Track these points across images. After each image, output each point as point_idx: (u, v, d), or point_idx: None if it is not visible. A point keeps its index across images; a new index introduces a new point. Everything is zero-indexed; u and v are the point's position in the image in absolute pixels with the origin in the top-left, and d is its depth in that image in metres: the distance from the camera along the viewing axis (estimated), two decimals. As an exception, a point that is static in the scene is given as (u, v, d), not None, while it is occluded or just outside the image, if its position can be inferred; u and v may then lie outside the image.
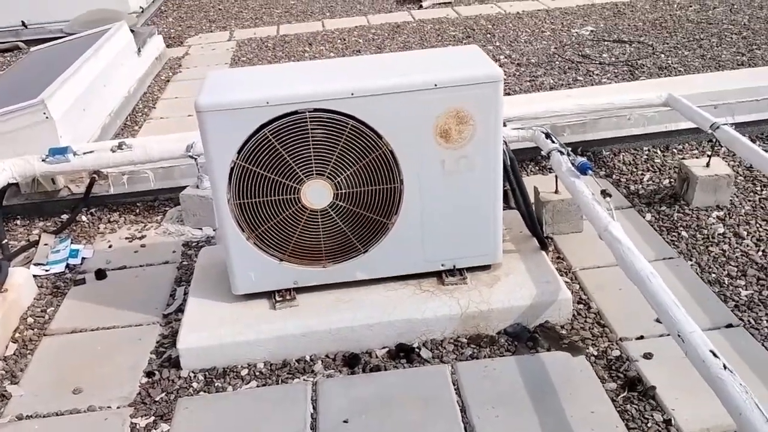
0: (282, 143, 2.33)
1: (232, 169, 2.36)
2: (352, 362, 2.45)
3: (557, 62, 5.38)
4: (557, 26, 6.38)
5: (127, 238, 3.41)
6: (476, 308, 2.50)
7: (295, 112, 2.30)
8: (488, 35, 6.25)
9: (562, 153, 2.92)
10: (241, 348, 2.46)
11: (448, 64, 2.41)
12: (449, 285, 2.59)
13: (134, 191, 3.66)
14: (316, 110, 2.30)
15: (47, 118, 3.60)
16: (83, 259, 3.25)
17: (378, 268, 2.57)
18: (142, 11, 7.50)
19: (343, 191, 2.42)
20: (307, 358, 2.49)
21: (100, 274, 3.08)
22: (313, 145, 2.34)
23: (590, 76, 5.02)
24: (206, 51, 6.59)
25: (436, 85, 2.30)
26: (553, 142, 3.02)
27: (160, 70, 6.00)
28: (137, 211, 3.65)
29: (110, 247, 3.34)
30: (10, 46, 7.11)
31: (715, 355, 1.79)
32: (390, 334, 2.50)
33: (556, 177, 3.07)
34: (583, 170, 2.72)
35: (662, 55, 5.31)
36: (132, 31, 5.53)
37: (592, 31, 6.15)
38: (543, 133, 3.13)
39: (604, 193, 2.57)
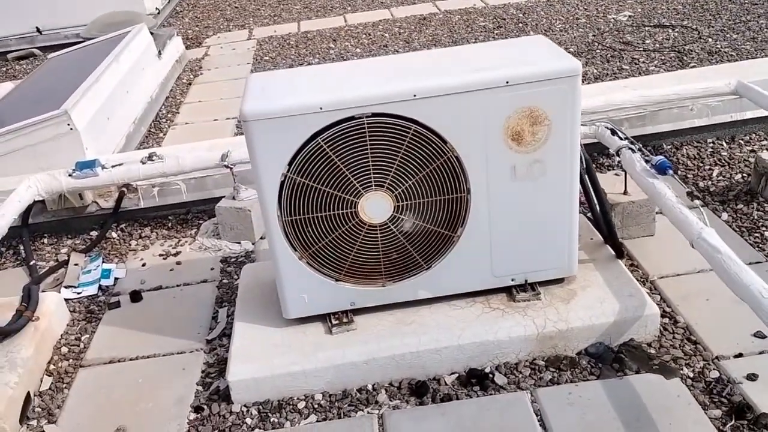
0: (337, 152, 2.10)
1: (282, 182, 2.13)
2: (420, 391, 2.22)
3: (598, 50, 5.10)
4: (592, 12, 6.10)
5: (161, 255, 3.20)
6: (554, 327, 2.26)
7: (352, 118, 2.06)
8: (520, 24, 5.98)
9: (633, 150, 2.67)
10: (297, 379, 2.24)
11: (517, 58, 2.17)
12: (521, 302, 2.35)
13: (166, 204, 3.45)
14: (374, 114, 2.06)
15: (71, 129, 3.40)
16: (116, 279, 3.04)
17: (442, 286, 2.34)
18: (158, 12, 7.30)
19: (405, 203, 2.19)
20: (369, 387, 2.27)
21: (136, 296, 2.88)
22: (371, 153, 2.11)
23: (636, 64, 4.74)
24: (226, 51, 6.38)
25: (507, 82, 2.06)
26: (622, 138, 2.77)
27: (181, 72, 5.80)
28: (170, 225, 3.44)
29: (144, 265, 3.14)
30: (26, 53, 6.94)
31: None
32: (459, 358, 2.27)
33: (625, 176, 2.83)
34: (662, 170, 2.47)
35: (710, 40, 5.02)
36: (151, 33, 5.32)
37: (630, 16, 5.86)
38: (608, 128, 2.88)
39: (692, 195, 2.32)
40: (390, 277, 2.31)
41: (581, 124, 2.95)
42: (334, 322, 2.33)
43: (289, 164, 2.11)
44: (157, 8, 7.27)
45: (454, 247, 2.27)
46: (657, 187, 2.43)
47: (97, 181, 3.09)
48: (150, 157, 3.12)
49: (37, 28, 7.01)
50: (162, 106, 5.04)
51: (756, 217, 2.90)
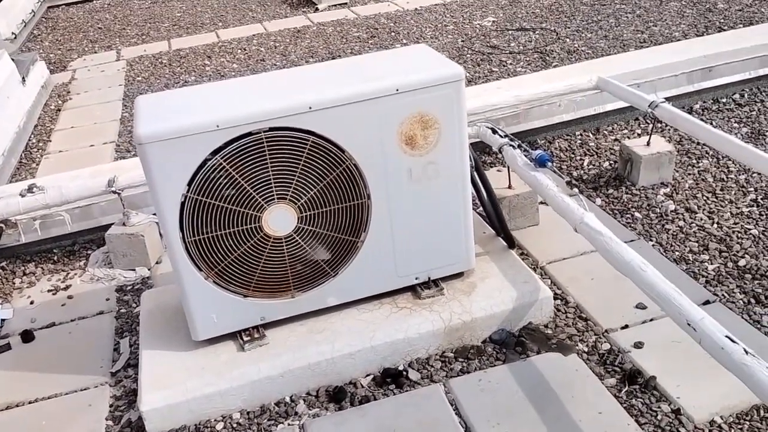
0: (237, 169, 2.10)
1: (183, 203, 2.11)
2: (338, 396, 2.26)
3: (468, 55, 5.35)
4: (458, 19, 6.37)
5: (50, 291, 3.04)
6: (459, 319, 2.38)
7: (250, 134, 2.08)
8: (393, 33, 6.16)
9: (514, 147, 2.85)
10: (212, 400, 2.22)
11: (404, 67, 2.26)
12: (426, 298, 2.45)
13: (49, 237, 3.28)
14: (272, 129, 2.09)
15: (-65, 166, 3.16)
16: (3, 320, 2.86)
17: (350, 291, 2.39)
18: (15, 37, 6.88)
19: (308, 213, 2.23)
20: (287, 399, 2.28)
21: (27, 336, 2.72)
22: (272, 167, 2.13)
23: (504, 66, 5.02)
24: (94, 73, 6.12)
25: (397, 90, 2.15)
26: (502, 136, 2.95)
27: (48, 98, 5.50)
28: (56, 258, 3.28)
29: (32, 303, 2.97)
30: None
31: (732, 340, 1.74)
32: (373, 359, 2.33)
33: (509, 171, 3.01)
34: (542, 163, 2.66)
35: (567, 40, 5.40)
36: (12, 59, 5.02)
37: (493, 21, 6.19)
38: (489, 128, 3.05)
39: (570, 184, 2.52)
40: (299, 288, 2.34)
41: (464, 126, 3.11)
42: (245, 338, 2.33)
43: (189, 184, 2.09)
44: (13, 33, 6.85)
45: (359, 253, 2.33)
46: (539, 179, 2.61)
47: (-28, 218, 2.90)
48: (30, 189, 2.96)
49: None
50: (31, 135, 4.77)
51: (625, 200, 3.17)
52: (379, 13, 6.87)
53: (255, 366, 2.26)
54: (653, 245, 2.84)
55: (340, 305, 2.42)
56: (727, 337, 1.76)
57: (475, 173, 2.55)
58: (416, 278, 2.45)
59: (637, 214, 3.06)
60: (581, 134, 3.85)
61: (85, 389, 2.44)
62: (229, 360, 2.29)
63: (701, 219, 2.96)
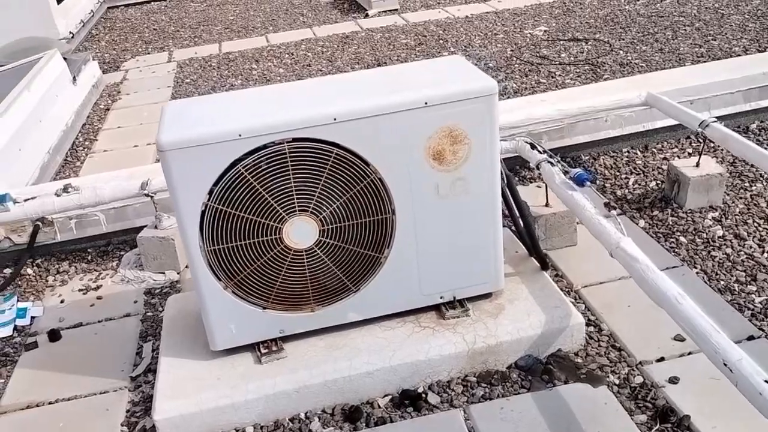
0: (259, 179, 2.06)
1: (203, 212, 2.08)
2: (353, 416, 2.19)
3: (516, 65, 5.24)
4: (509, 28, 6.26)
5: (81, 290, 3.07)
6: (483, 343, 2.28)
7: (272, 144, 2.03)
8: (441, 41, 6.08)
9: (552, 164, 2.73)
10: (226, 413, 2.18)
11: (435, 79, 2.19)
12: (451, 319, 2.36)
13: (84, 236, 3.31)
14: (295, 140, 2.04)
15: (-21, 163, 3.23)
16: (33, 318, 2.90)
17: (372, 308, 2.33)
18: (72, 36, 7.06)
19: (330, 227, 2.17)
20: (302, 415, 2.23)
21: (54, 335, 2.74)
22: (294, 178, 2.08)
23: (552, 77, 4.89)
24: (145, 74, 6.22)
25: (426, 103, 2.08)
26: (541, 152, 2.84)
27: (98, 98, 5.62)
28: (89, 258, 3.31)
29: (62, 302, 3.00)
30: (-71, 81, 6.58)
31: (772, 385, 1.61)
32: (392, 380, 2.26)
33: (546, 189, 2.90)
34: (580, 182, 2.54)
35: (621, 52, 5.23)
36: (65, 58, 5.14)
37: (545, 30, 6.05)
38: (527, 143, 2.94)
39: (609, 206, 2.39)
40: (319, 302, 2.28)
41: (502, 140, 3.02)
42: (263, 351, 2.29)
43: (210, 193, 2.06)
44: (71, 32, 7.03)
45: (382, 269, 2.26)
46: (576, 199, 2.49)
47: (9, 216, 2.95)
48: (65, 189, 2.99)
49: (-59, 55, 6.66)
50: (79, 133, 4.87)
51: (671, 223, 3.01)
52: (429, 20, 6.80)
53: (271, 380, 2.21)
54: (697, 272, 2.69)
55: (362, 321, 2.36)
56: (766, 381, 1.62)
57: (507, 190, 2.46)
58: (441, 297, 2.37)
59: (682, 239, 2.90)
60: (628, 151, 3.70)
61: (104, 392, 2.44)
62: (246, 372, 2.25)
63: (750, 247, 2.79)
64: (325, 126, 2.04)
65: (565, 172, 2.65)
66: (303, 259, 2.20)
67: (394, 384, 2.26)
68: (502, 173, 2.41)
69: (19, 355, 2.68)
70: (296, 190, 2.10)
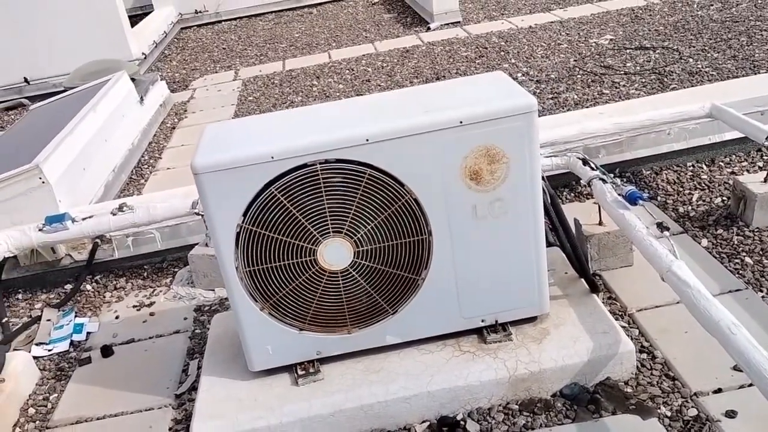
0: (292, 201, 2.05)
1: (238, 233, 2.08)
2: (389, 442, 2.15)
3: (579, 75, 5.08)
4: (573, 37, 6.09)
5: (135, 306, 3.15)
6: (526, 369, 2.19)
7: (305, 165, 2.02)
8: (502, 53, 5.98)
9: (604, 181, 2.62)
10: (263, 434, 2.17)
11: (471, 97, 2.13)
12: (492, 343, 2.28)
13: (140, 253, 3.41)
14: (327, 161, 2.02)
15: (43, 183, 3.37)
16: (88, 334, 2.99)
17: (410, 331, 2.28)
18: (145, 57, 7.35)
19: (365, 248, 2.14)
20: (338, 439, 2.19)
21: (107, 351, 2.82)
22: (327, 199, 2.06)
23: (616, 87, 4.72)
24: (212, 93, 6.39)
25: (461, 122, 2.02)
26: (593, 168, 2.73)
27: (165, 117, 5.80)
28: (145, 274, 3.40)
29: (117, 318, 3.08)
30: (14, 103, 6.98)
31: (832, 428, 1.46)
32: (430, 405, 2.20)
33: (599, 207, 2.77)
34: (632, 200, 2.42)
35: (690, 60, 4.99)
36: (133, 79, 5.33)
37: (611, 39, 5.86)
38: (579, 159, 2.83)
39: (661, 226, 2.26)
40: (355, 324, 2.25)
41: (553, 155, 2.92)
42: (300, 372, 2.27)
43: (244, 215, 2.06)
44: (143, 53, 7.32)
45: (420, 291, 2.21)
46: (627, 219, 2.38)
47: (68, 234, 3.05)
48: (120, 208, 3.08)
49: (24, 78, 7.06)
50: (144, 152, 5.03)
51: (736, 243, 2.83)
52: (491, 31, 6.71)
53: (306, 402, 2.19)
54: (763, 296, 2.51)
55: (401, 344, 2.31)
56: (825, 423, 1.48)
57: (552, 209, 2.36)
58: (482, 321, 2.29)
59: (747, 260, 2.72)
60: (693, 165, 3.51)
61: (149, 410, 2.48)
62: (282, 394, 2.24)
63: (824, 269, 2.59)
64: (357, 147, 2.01)
65: (617, 190, 2.53)
66: (338, 280, 2.17)
67: (432, 410, 2.20)
68: (545, 192, 2.32)
69: (73, 370, 2.77)
70: (330, 212, 2.08)
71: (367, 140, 2.01)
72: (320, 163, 2.03)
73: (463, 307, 2.26)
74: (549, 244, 2.60)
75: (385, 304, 2.22)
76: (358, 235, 2.12)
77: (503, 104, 2.05)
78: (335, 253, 2.13)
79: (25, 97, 7.03)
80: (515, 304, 2.29)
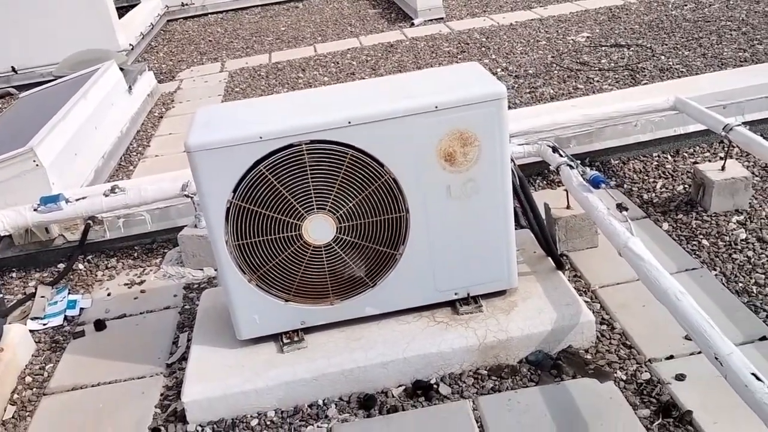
0: (279, 179, 2.21)
1: (228, 209, 2.24)
2: (367, 404, 2.31)
3: (555, 71, 5.27)
4: (552, 35, 6.29)
5: (126, 284, 3.29)
6: (494, 338, 2.37)
7: (291, 146, 2.18)
8: (483, 48, 6.16)
9: (571, 167, 2.80)
10: (250, 397, 2.33)
11: (447, 84, 2.30)
12: (464, 314, 2.46)
13: (131, 234, 3.54)
14: (312, 142, 2.18)
15: (37, 165, 3.50)
16: (82, 309, 3.13)
17: (388, 302, 2.44)
18: (132, 48, 7.44)
19: (347, 224, 2.30)
20: (320, 402, 2.36)
21: (100, 325, 2.96)
22: (311, 178, 2.22)
23: (591, 83, 4.91)
24: (198, 84, 6.51)
25: (436, 107, 2.19)
26: (561, 155, 2.91)
27: (153, 106, 5.92)
28: (135, 255, 3.53)
29: (109, 295, 3.22)
30: (2, 92, 7.05)
31: (758, 378, 1.65)
32: (406, 371, 2.37)
33: (567, 192, 2.95)
34: (595, 184, 2.60)
35: (662, 57, 5.20)
36: (122, 69, 5.45)
37: (588, 37, 6.06)
38: (549, 147, 3.01)
39: (620, 207, 2.44)
40: (338, 296, 2.41)
41: (525, 144, 3.10)
42: (285, 341, 2.43)
43: (234, 191, 2.22)
44: (130, 44, 7.41)
45: (397, 265, 2.38)
46: (590, 200, 2.56)
47: (62, 214, 3.19)
48: (112, 190, 3.22)
49: (12, 67, 7.13)
50: (133, 139, 5.15)
51: (694, 226, 3.03)
52: (473, 28, 6.89)
53: (291, 368, 2.35)
54: (716, 275, 2.70)
55: (380, 315, 2.47)
56: (753, 374, 1.66)
57: (521, 192, 2.54)
58: (455, 294, 2.47)
59: (704, 242, 2.91)
60: (659, 156, 3.71)
61: (141, 378, 2.62)
62: (268, 360, 2.40)
63: (773, 250, 2.79)
64: (340, 129, 2.17)
65: (583, 175, 2.71)
66: (322, 254, 2.33)
67: (407, 375, 2.37)
68: (515, 175, 2.50)
69: (68, 343, 2.90)
70: (314, 189, 2.24)
71: (349, 123, 2.17)
72: (305, 144, 2.18)
73: (438, 280, 2.43)
74: (520, 227, 2.79)
75: (365, 277, 2.39)
76: (341, 212, 2.28)
77: (476, 91, 2.22)
78: (319, 229, 2.29)
79: (13, 86, 7.10)
80: (486, 278, 2.46)
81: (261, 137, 2.16)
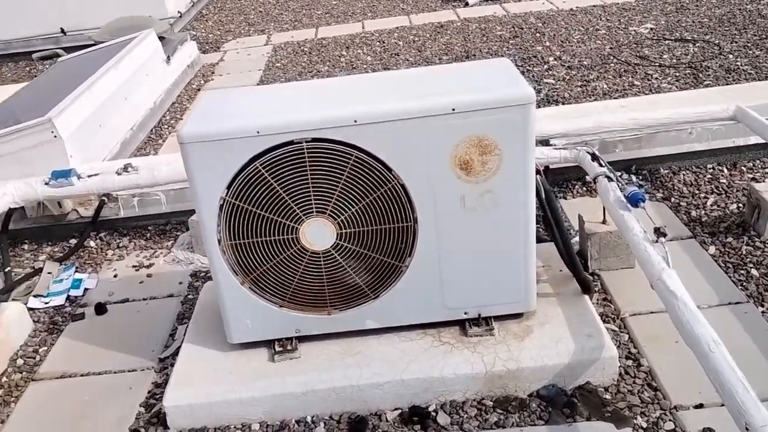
0: (276, 178, 2.02)
1: (221, 205, 2.07)
2: (358, 427, 2.13)
3: (612, 64, 4.92)
4: (614, 24, 5.90)
5: (134, 266, 3.18)
6: (503, 366, 2.15)
7: (290, 143, 1.99)
8: (537, 35, 5.82)
9: (610, 179, 2.53)
10: (234, 407, 2.18)
11: (468, 84, 2.06)
12: (473, 337, 2.24)
13: (145, 214, 3.43)
14: (314, 140, 1.99)
15: (55, 137, 3.40)
16: (86, 290, 3.03)
17: (390, 317, 2.25)
18: (181, 16, 7.34)
19: (348, 231, 2.10)
20: (308, 419, 2.19)
21: (100, 309, 2.86)
22: (312, 179, 2.03)
23: (648, 80, 4.56)
24: (241, 56, 6.37)
25: (453, 109, 1.96)
26: (601, 165, 2.64)
27: (192, 78, 5.80)
28: (148, 235, 3.42)
29: (115, 276, 3.12)
30: (50, 53, 7.05)
31: (796, 462, 1.40)
32: (403, 393, 2.17)
33: (604, 205, 2.69)
34: (633, 202, 2.33)
35: (730, 56, 4.79)
36: (162, 38, 5.34)
37: (651, 28, 5.65)
38: (589, 153, 2.74)
39: (659, 232, 2.18)
40: (336, 306, 2.23)
41: (563, 148, 2.84)
42: (277, 349, 2.27)
43: (228, 188, 2.04)
44: (179, 11, 7.31)
45: (403, 277, 2.18)
46: (626, 220, 2.30)
47: (72, 190, 3.09)
48: (125, 168, 3.09)
49: (61, 28, 7.13)
50: (166, 112, 5.05)
51: (744, 253, 2.72)
52: (530, 11, 6.54)
53: (280, 380, 2.19)
54: (763, 312, 2.41)
55: (382, 329, 2.28)
56: (790, 457, 1.41)
57: (546, 206, 2.29)
58: (465, 313, 2.25)
59: (753, 272, 2.61)
60: (713, 168, 3.38)
61: (132, 371, 2.51)
62: (258, 368, 2.24)
63: (833, 289, 2.47)
64: (345, 127, 1.97)
65: (621, 190, 2.44)
66: (320, 261, 2.15)
67: (404, 398, 2.18)
68: (540, 187, 2.26)
69: (66, 325, 2.81)
70: (314, 191, 2.05)
71: (355, 121, 1.96)
72: (306, 141, 1.99)
73: (447, 297, 2.22)
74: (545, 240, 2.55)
75: (367, 289, 2.19)
76: (342, 218, 2.08)
77: (500, 94, 1.98)
78: (318, 234, 2.10)
79: (61, 47, 7.10)
80: (500, 299, 2.24)
81: (258, 132, 1.97)
